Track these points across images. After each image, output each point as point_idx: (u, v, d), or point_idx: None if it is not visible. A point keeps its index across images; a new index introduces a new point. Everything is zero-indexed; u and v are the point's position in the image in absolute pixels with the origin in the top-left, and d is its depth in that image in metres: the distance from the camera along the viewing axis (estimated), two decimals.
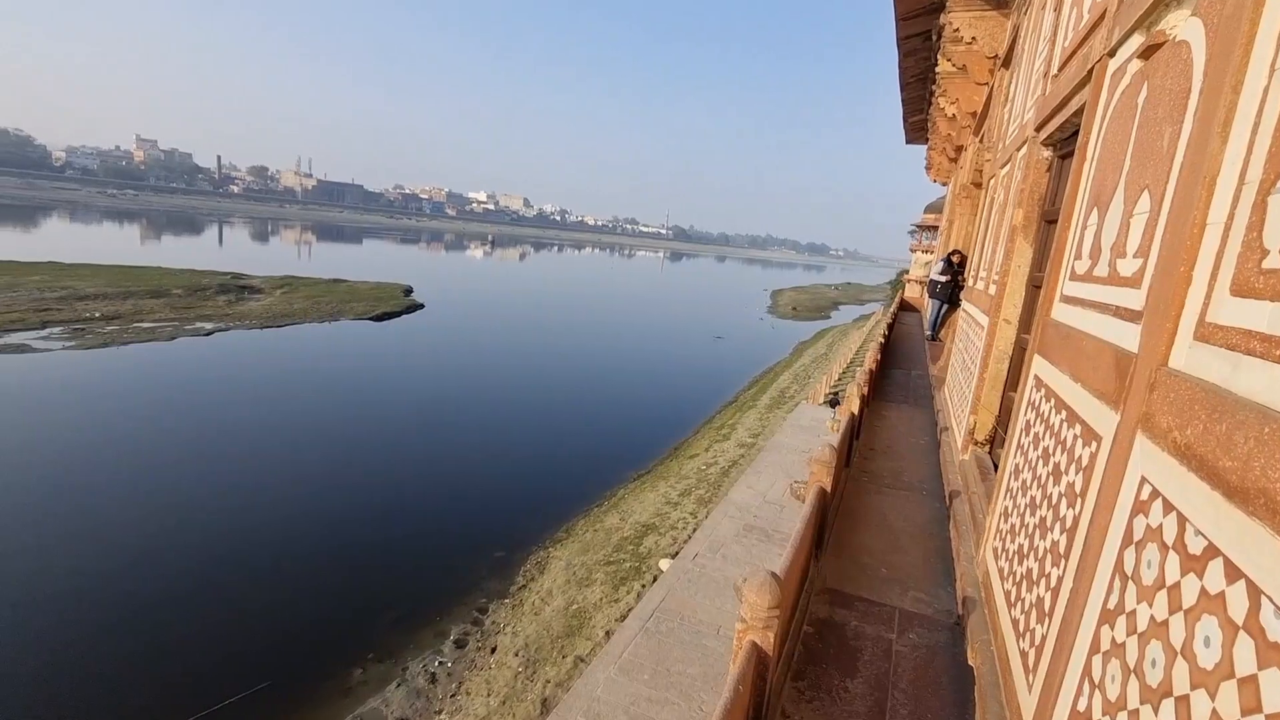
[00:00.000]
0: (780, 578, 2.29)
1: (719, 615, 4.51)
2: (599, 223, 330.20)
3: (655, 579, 7.72)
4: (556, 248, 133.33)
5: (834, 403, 11.64)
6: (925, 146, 17.52)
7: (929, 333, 13.46)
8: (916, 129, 16.15)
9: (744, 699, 2.03)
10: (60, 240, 45.51)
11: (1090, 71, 2.98)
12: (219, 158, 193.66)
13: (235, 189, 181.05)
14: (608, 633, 6.92)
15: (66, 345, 16.92)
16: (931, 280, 12.95)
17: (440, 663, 6.82)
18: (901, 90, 12.69)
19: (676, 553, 8.34)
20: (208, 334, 20.01)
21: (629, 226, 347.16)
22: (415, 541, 9.49)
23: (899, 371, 11.39)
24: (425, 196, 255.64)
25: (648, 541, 9.06)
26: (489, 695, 6.28)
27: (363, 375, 18.28)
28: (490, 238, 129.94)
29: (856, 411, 5.97)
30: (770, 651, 2.24)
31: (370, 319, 25.85)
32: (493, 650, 7.00)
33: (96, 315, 20.22)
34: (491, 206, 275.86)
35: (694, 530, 9.07)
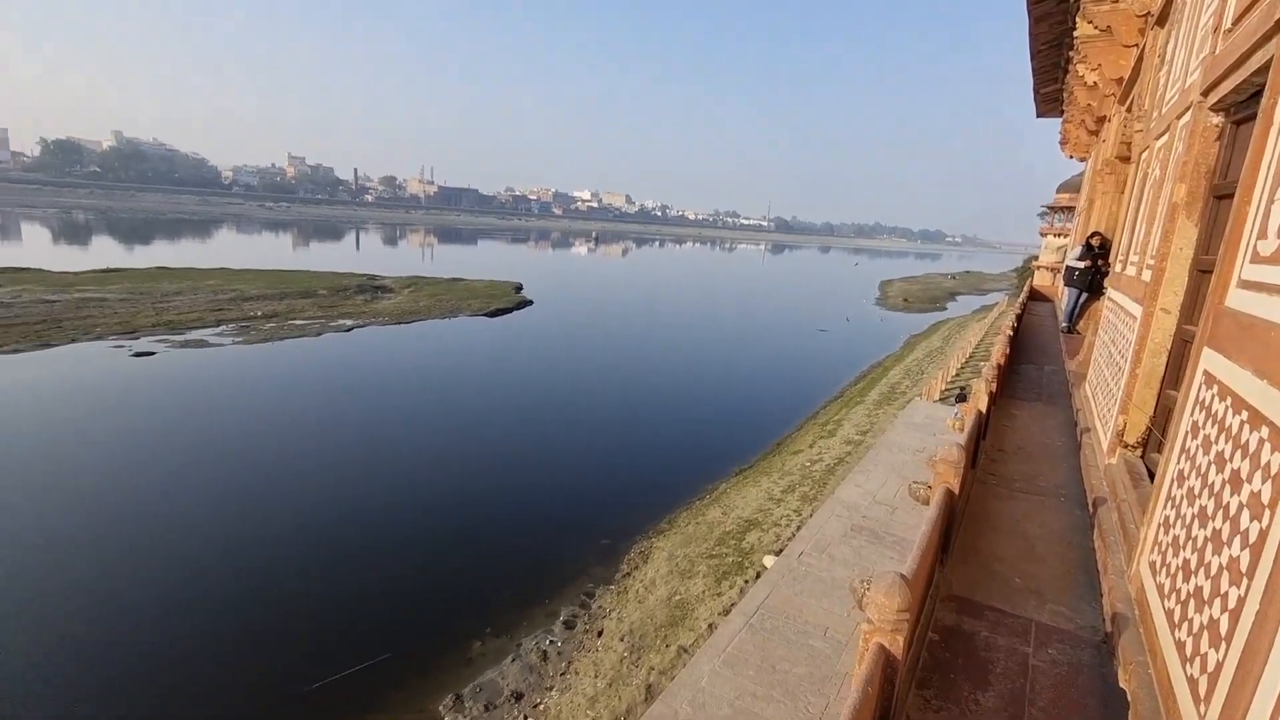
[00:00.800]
0: (909, 579, 2.20)
1: (826, 616, 4.38)
2: (699, 216, 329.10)
3: (758, 575, 7.62)
4: (658, 242, 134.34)
5: (961, 397, 10.88)
6: (1060, 119, 15.85)
7: (1065, 324, 12.31)
8: (1049, 101, 14.64)
9: (871, 701, 1.98)
10: (229, 248, 52.52)
11: (1278, 22, 2.56)
12: (355, 170, 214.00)
13: (369, 198, 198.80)
14: (710, 625, 6.93)
15: (235, 340, 19.44)
16: (1068, 266, 11.80)
17: (551, 641, 7.15)
18: (1032, 59, 11.56)
19: (780, 550, 8.18)
20: (348, 330, 22.18)
21: (729, 219, 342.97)
22: (528, 525, 10.00)
23: (1030, 367, 10.42)
24: (534, 197, 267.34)
25: (750, 537, 8.96)
26: (596, 677, 6.51)
27: (479, 367, 19.48)
28: (594, 234, 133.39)
29: (984, 409, 5.54)
30: (899, 655, 2.16)
31: (485, 315, 27.46)
32: (599, 634, 7.24)
33: (259, 314, 23.05)
34: (595, 204, 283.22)
35: (798, 528, 8.86)
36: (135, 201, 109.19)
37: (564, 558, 9.01)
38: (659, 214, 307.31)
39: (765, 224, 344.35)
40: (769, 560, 7.91)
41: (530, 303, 32.17)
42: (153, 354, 17.33)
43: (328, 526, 9.47)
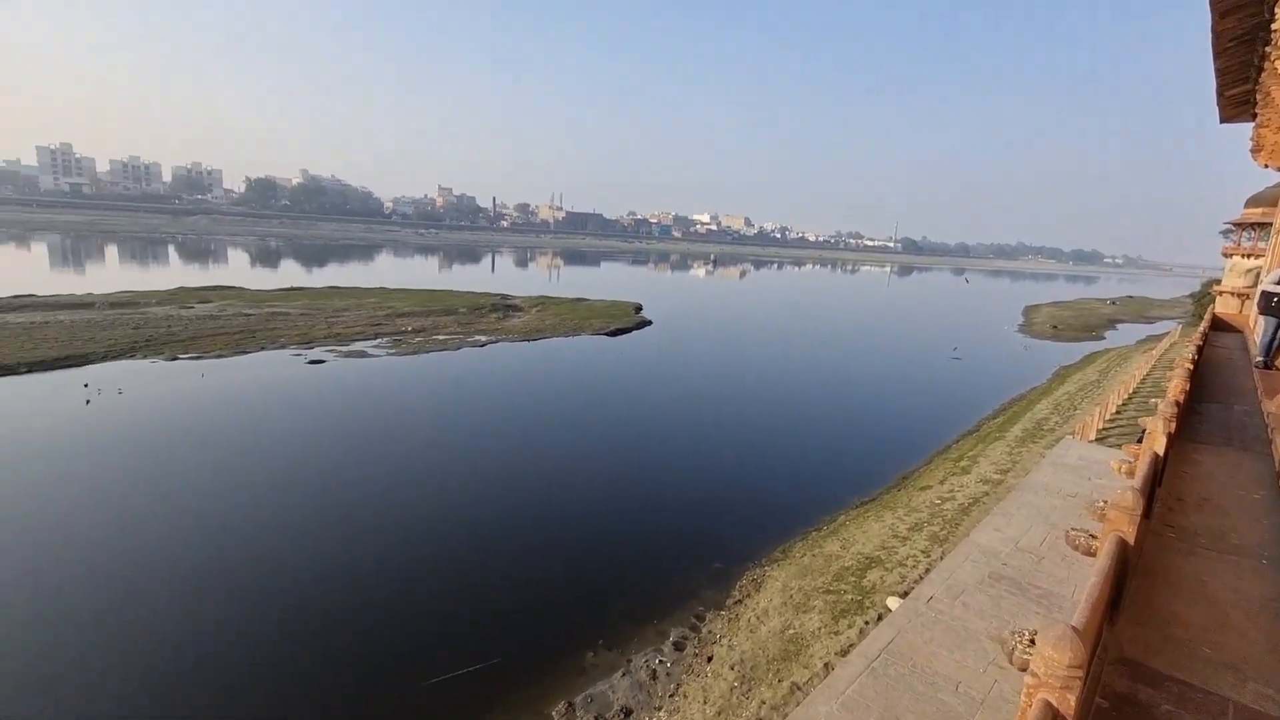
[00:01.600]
0: (1080, 633, 1.98)
1: (959, 669, 4.00)
2: (820, 238, 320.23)
3: (880, 617, 7.14)
4: (776, 265, 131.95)
5: (1142, 438, 9.56)
6: (1251, 124, 13.60)
7: (1261, 358, 10.47)
8: (1237, 104, 12.59)
9: None
10: (386, 270, 59.00)
11: None
12: (494, 199, 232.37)
13: (505, 223, 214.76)
14: (827, 665, 6.59)
15: (389, 352, 21.68)
16: (1264, 292, 10.10)
17: (660, 661, 7.16)
18: (1216, 58, 10.05)
19: (906, 592, 7.62)
20: (482, 345, 23.95)
21: (852, 241, 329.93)
22: (641, 541, 10.13)
23: (1214, 406, 8.94)
24: (654, 221, 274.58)
25: (872, 575, 8.43)
26: (704, 703, 6.41)
27: (600, 384, 20.18)
28: (713, 257, 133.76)
29: (1160, 452, 4.84)
30: (1068, 716, 1.94)
31: (605, 334, 28.41)
32: (709, 659, 7.13)
33: (409, 329, 25.56)
34: (714, 227, 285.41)
35: (926, 569, 8.22)
36: (315, 230, 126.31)
37: (675, 578, 9.00)
38: (778, 235, 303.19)
39: (892, 245, 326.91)
40: (893, 602, 7.39)
41: (649, 323, 32.82)
42: (324, 362, 19.79)
43: (456, 528, 10.19)
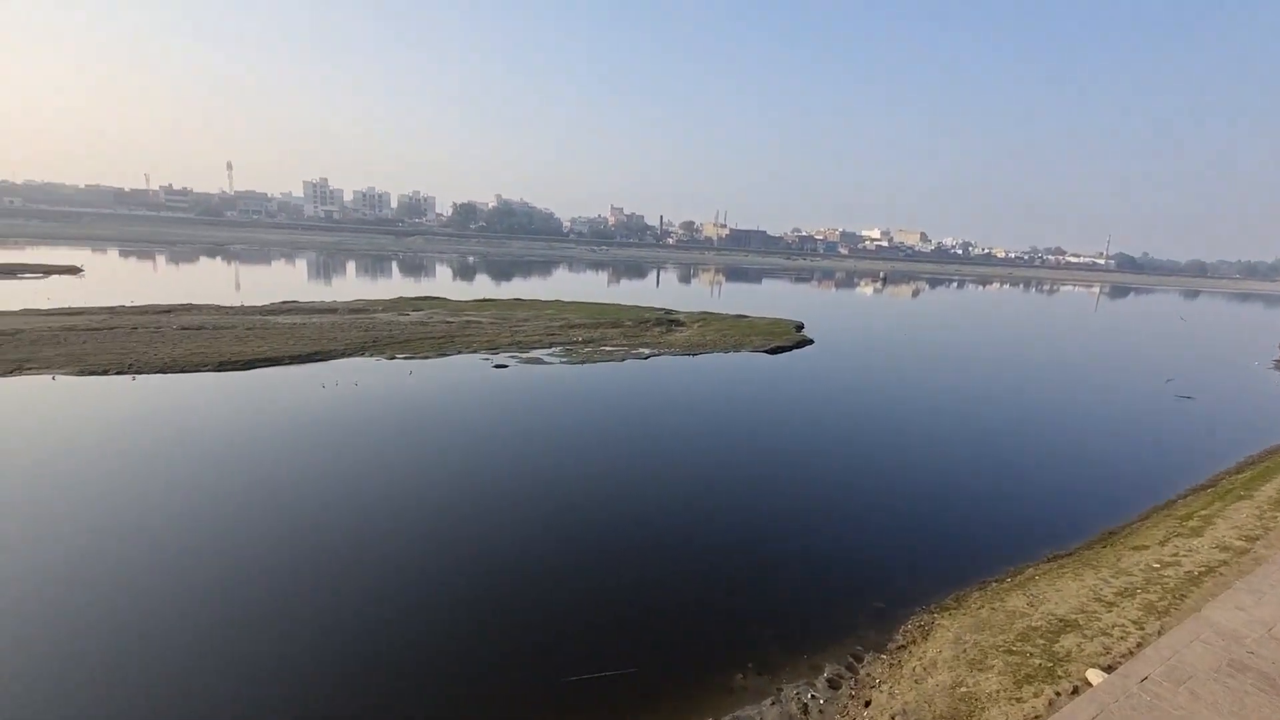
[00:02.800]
0: None
1: None
2: (1011, 254, 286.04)
3: (1077, 690, 6.29)
4: (956, 283, 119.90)
5: None
6: None
7: None
8: None
9: None
10: (562, 284, 64.21)
11: None
12: (661, 217, 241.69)
13: (670, 240, 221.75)
14: None
15: (561, 360, 23.50)
16: None
17: (813, 696, 6.94)
18: None
19: (1111, 666, 6.62)
20: (645, 357, 24.96)
21: (1051, 257, 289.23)
22: (798, 566, 9.87)
23: None
24: (820, 237, 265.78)
25: (1066, 640, 7.39)
26: None
27: (758, 401, 19.99)
28: (882, 275, 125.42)
29: None
30: None
31: (765, 351, 28.04)
32: (866, 704, 6.77)
33: (579, 339, 27.49)
34: (885, 243, 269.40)
35: (1138, 644, 7.04)
36: (505, 247, 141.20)
37: (832, 610, 8.66)
38: (958, 252, 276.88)
39: (1102, 261, 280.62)
40: (1094, 675, 6.44)
41: (810, 341, 31.76)
42: (506, 366, 22.03)
43: (610, 530, 10.75)
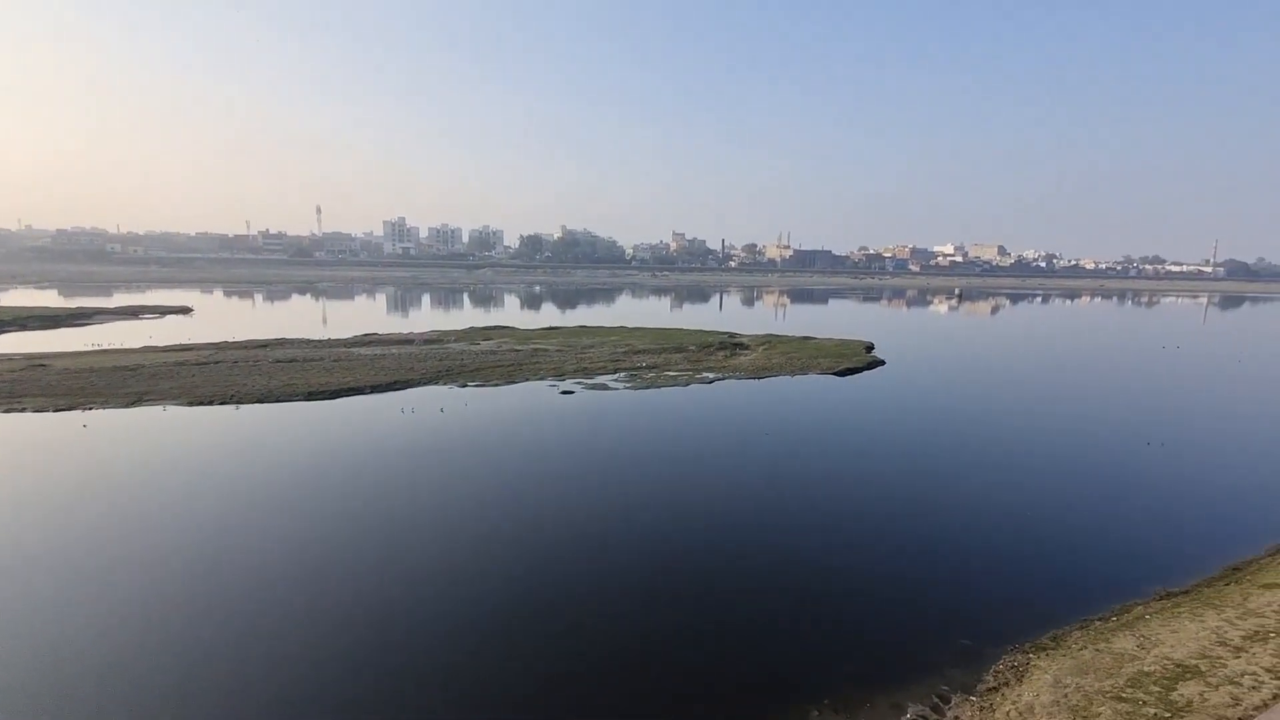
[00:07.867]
0: None
1: None
2: (1102, 265, 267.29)
3: None
4: (1039, 298, 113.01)
5: None
6: None
7: None
8: None
9: None
10: (626, 310, 64.96)
11: None
12: (722, 241, 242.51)
13: (733, 263, 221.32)
14: None
15: (626, 385, 23.71)
16: None
17: None
18: None
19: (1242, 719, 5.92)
20: (710, 382, 24.81)
21: (1148, 267, 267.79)
22: (877, 598, 9.43)
23: None
24: (888, 255, 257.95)
25: (1186, 688, 6.68)
26: None
27: (830, 421, 19.46)
28: (957, 291, 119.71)
29: None
30: None
31: (834, 374, 27.26)
32: None
33: (643, 365, 27.68)
34: (959, 259, 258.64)
35: (1274, 695, 6.28)
36: (569, 276, 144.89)
37: (914, 647, 8.18)
38: (1041, 265, 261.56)
39: (1209, 269, 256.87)
40: None
41: (882, 362, 30.64)
42: (572, 392, 22.43)
43: (681, 555, 10.62)
